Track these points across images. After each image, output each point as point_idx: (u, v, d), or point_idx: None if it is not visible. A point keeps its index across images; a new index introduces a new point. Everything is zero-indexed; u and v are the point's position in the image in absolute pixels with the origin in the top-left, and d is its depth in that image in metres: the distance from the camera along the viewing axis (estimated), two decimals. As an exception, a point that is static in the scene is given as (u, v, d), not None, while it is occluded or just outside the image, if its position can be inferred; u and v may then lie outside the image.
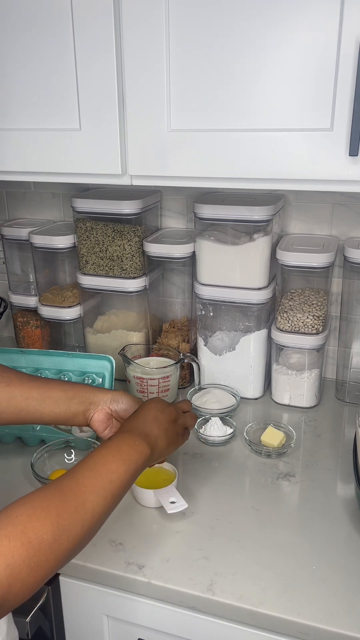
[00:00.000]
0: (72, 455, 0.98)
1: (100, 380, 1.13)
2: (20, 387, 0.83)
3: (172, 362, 1.17)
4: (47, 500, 0.59)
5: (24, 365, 1.15)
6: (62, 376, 1.13)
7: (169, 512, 0.83)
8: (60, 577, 0.82)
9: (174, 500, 0.84)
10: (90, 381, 1.13)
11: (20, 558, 0.54)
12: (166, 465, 0.92)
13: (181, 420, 0.84)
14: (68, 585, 0.82)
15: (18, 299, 1.38)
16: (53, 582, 0.82)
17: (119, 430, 0.77)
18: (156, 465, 0.87)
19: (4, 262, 1.44)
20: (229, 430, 1.06)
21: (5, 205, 1.47)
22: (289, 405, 1.18)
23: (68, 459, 0.98)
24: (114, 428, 0.86)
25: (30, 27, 0.85)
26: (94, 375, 1.13)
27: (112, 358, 1.13)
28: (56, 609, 0.84)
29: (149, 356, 1.23)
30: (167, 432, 0.78)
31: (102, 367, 1.13)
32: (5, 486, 0.94)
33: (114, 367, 1.12)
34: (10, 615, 0.72)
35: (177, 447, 0.82)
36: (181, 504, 0.84)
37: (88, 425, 0.86)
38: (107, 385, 1.12)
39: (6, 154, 0.93)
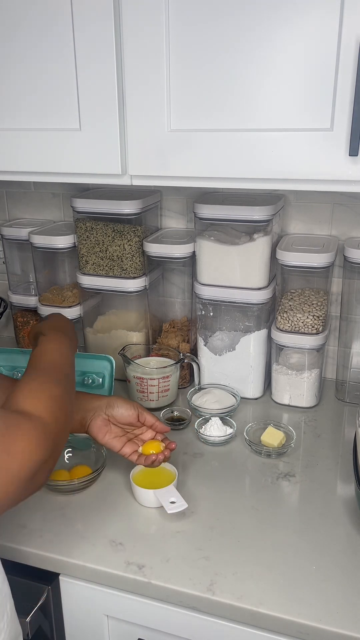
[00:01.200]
0: (72, 454, 0.99)
1: (100, 380, 1.13)
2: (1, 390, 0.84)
3: (172, 362, 1.17)
4: (43, 368, 0.77)
5: (24, 365, 1.12)
6: None
7: (169, 512, 0.83)
8: (60, 577, 0.82)
9: (174, 500, 0.84)
10: (90, 381, 1.13)
11: (51, 407, 0.68)
12: (166, 465, 0.92)
13: None
14: (68, 585, 0.82)
15: (18, 299, 1.38)
16: (53, 582, 0.82)
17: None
18: (156, 465, 0.87)
19: (4, 262, 1.44)
20: (229, 431, 1.06)
21: (5, 205, 1.47)
22: (289, 405, 1.18)
23: (67, 458, 0.98)
24: (112, 433, 0.87)
25: (30, 26, 0.85)
26: (94, 375, 1.13)
27: (112, 358, 1.13)
28: (56, 609, 0.84)
29: (149, 356, 1.23)
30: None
31: (102, 367, 1.13)
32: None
33: (114, 367, 1.12)
34: (14, 613, 0.72)
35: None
36: (181, 504, 0.84)
37: (87, 432, 0.87)
38: (106, 384, 1.13)
39: (6, 153, 0.93)
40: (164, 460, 0.88)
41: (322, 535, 0.82)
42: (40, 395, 0.69)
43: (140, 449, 0.88)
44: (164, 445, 0.90)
